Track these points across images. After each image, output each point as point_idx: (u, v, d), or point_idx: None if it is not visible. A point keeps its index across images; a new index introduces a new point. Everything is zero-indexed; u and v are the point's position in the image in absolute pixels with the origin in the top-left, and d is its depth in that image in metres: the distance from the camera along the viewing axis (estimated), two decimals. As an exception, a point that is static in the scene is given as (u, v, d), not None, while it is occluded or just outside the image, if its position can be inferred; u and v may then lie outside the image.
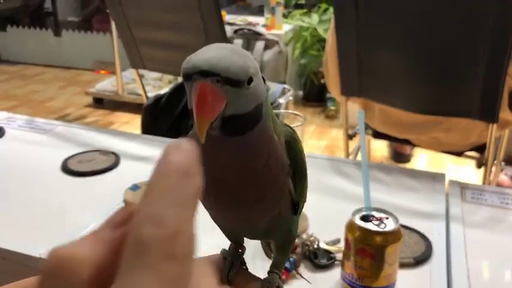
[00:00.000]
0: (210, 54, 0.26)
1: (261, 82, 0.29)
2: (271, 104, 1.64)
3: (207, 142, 0.26)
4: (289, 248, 0.36)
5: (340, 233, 0.60)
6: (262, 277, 0.33)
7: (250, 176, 0.29)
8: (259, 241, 0.42)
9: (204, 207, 0.32)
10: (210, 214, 0.33)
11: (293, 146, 0.32)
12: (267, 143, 0.29)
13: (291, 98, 1.80)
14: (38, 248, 0.63)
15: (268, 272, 0.34)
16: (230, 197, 0.30)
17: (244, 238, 0.35)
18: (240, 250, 0.33)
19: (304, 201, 0.36)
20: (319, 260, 0.62)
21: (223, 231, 0.34)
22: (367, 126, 1.38)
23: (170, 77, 2.87)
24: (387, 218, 0.56)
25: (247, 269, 0.33)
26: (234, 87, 0.26)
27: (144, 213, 0.15)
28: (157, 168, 0.16)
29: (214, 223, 0.34)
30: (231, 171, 0.28)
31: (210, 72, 0.25)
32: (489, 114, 1.04)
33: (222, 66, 0.26)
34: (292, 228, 0.35)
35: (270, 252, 0.43)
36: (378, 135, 1.38)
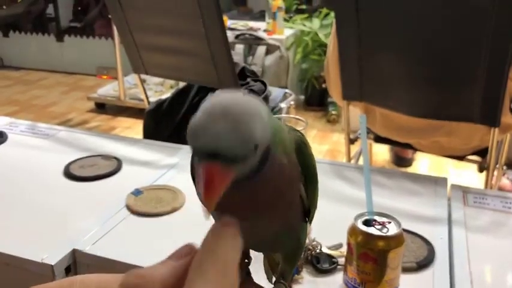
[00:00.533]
0: (215, 130, 0.25)
1: (267, 124, 0.28)
2: (273, 109, 1.64)
3: None
4: (296, 257, 0.35)
5: (343, 238, 0.59)
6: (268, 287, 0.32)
7: (262, 205, 0.29)
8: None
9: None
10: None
11: (303, 151, 0.32)
12: (277, 174, 0.29)
13: (292, 102, 1.80)
14: (40, 253, 0.63)
15: (275, 283, 0.34)
16: (239, 216, 0.30)
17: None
18: (246, 260, 0.33)
19: (315, 207, 0.36)
20: (321, 264, 0.62)
21: None
22: (368, 131, 1.38)
23: (172, 82, 2.88)
24: (389, 223, 0.56)
25: (252, 279, 0.33)
26: (239, 162, 0.26)
27: (204, 250, 0.22)
28: (212, 229, 0.23)
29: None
30: (243, 205, 0.29)
31: (217, 154, 0.25)
32: (490, 118, 1.04)
33: (229, 146, 0.25)
34: (301, 237, 0.35)
35: (271, 275, 0.43)
36: (379, 139, 1.38)
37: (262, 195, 0.29)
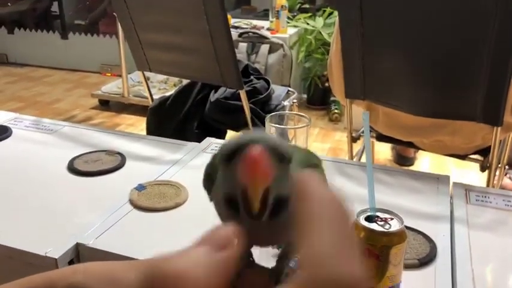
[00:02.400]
0: (260, 134, 0.27)
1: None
2: (276, 107, 1.64)
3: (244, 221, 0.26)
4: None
5: (345, 234, 0.60)
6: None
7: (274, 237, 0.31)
8: None
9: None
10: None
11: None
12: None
13: (295, 101, 1.81)
14: (44, 246, 0.64)
15: (277, 261, 0.34)
16: (254, 242, 0.32)
17: None
18: None
19: None
20: None
21: None
22: (371, 129, 1.38)
23: (175, 79, 2.89)
24: (392, 219, 0.56)
25: (254, 260, 0.33)
26: (280, 163, 0.26)
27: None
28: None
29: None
30: (259, 238, 0.30)
31: (261, 143, 0.26)
32: (493, 118, 1.04)
33: (271, 140, 0.26)
34: None
35: None
36: (381, 138, 1.39)
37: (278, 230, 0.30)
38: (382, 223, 0.55)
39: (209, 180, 0.33)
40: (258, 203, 0.25)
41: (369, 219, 0.56)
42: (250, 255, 0.33)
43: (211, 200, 0.33)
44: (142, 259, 0.28)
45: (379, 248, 0.54)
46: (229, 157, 0.26)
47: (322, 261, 0.16)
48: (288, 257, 0.34)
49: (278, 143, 0.26)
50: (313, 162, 0.38)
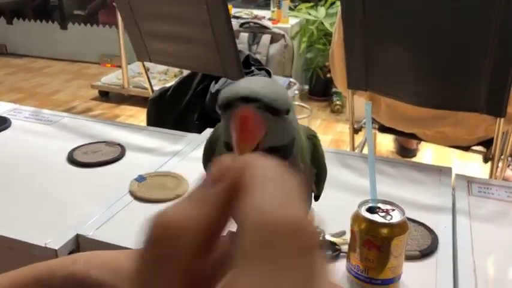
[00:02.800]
0: (251, 84, 0.27)
1: (295, 116, 0.30)
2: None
3: None
4: None
5: (346, 226, 0.59)
6: None
7: None
8: None
9: None
10: None
11: (316, 150, 0.36)
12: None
13: (296, 92, 1.80)
14: (44, 237, 0.64)
15: None
16: None
17: None
18: None
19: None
20: (324, 251, 0.62)
21: None
22: (373, 121, 1.37)
23: (176, 70, 2.87)
24: (393, 210, 0.55)
25: None
26: (274, 116, 0.27)
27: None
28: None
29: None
30: None
31: (252, 99, 0.26)
32: (496, 109, 1.03)
33: (264, 93, 0.26)
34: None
35: None
36: (384, 129, 1.38)
37: None
38: (383, 214, 0.55)
39: (209, 157, 0.34)
40: None
41: (370, 210, 0.55)
42: None
43: None
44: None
45: (380, 239, 0.53)
46: (225, 107, 0.27)
47: (264, 210, 0.14)
48: None
49: (273, 98, 0.26)
50: (311, 133, 0.39)
